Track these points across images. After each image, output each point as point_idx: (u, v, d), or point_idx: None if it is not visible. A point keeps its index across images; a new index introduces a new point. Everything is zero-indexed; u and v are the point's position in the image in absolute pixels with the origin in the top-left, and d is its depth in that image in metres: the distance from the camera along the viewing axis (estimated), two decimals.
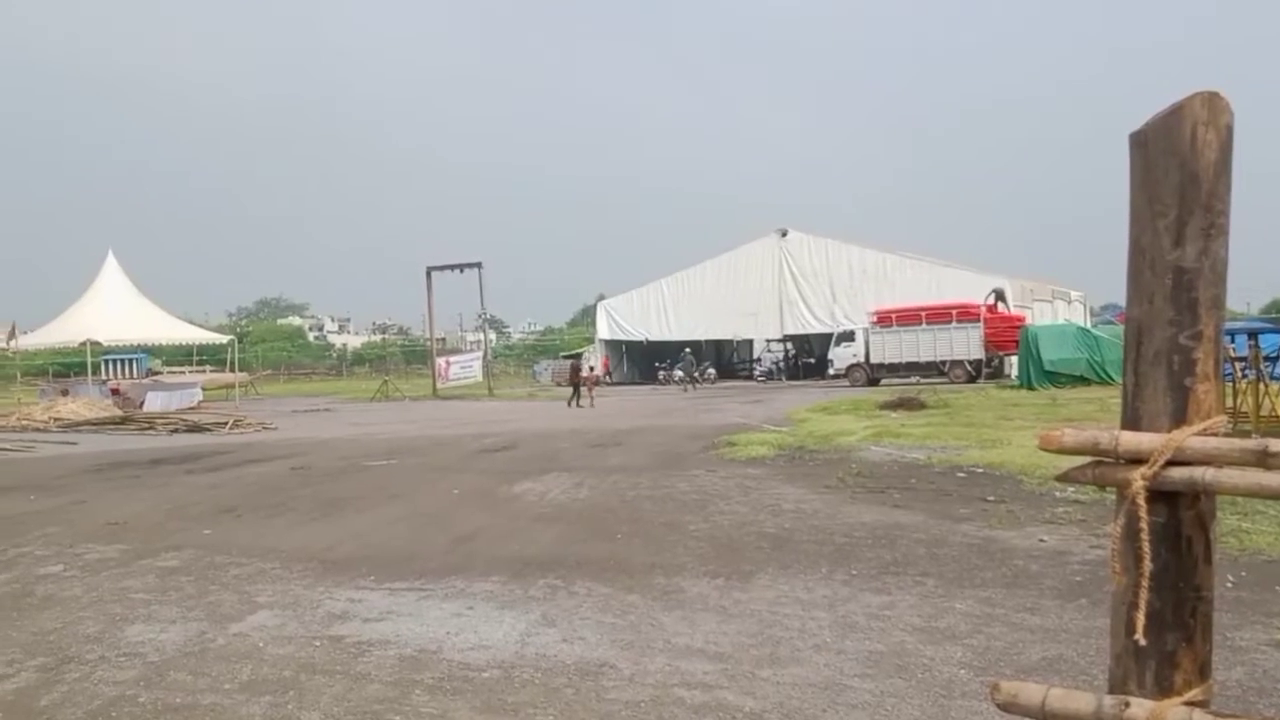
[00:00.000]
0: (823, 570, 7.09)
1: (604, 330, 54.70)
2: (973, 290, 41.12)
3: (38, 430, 25.78)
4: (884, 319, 40.39)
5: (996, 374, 38.57)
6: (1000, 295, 40.18)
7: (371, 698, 4.71)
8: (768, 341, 52.80)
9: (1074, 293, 50.55)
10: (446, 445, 18.55)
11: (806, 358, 50.58)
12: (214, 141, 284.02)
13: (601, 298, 59.89)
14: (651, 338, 52.24)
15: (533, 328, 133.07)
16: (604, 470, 13.55)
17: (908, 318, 39.76)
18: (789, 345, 52.16)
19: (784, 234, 50.36)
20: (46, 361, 51.88)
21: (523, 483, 12.48)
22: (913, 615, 5.87)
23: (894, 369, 39.57)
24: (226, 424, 25.02)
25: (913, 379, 38.29)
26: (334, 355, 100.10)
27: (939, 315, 39.14)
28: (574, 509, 10.37)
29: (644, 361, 53.53)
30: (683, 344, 52.55)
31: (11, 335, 37.09)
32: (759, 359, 51.72)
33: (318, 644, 5.62)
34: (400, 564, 7.78)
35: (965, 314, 38.67)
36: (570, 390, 33.09)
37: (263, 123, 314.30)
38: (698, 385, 40.49)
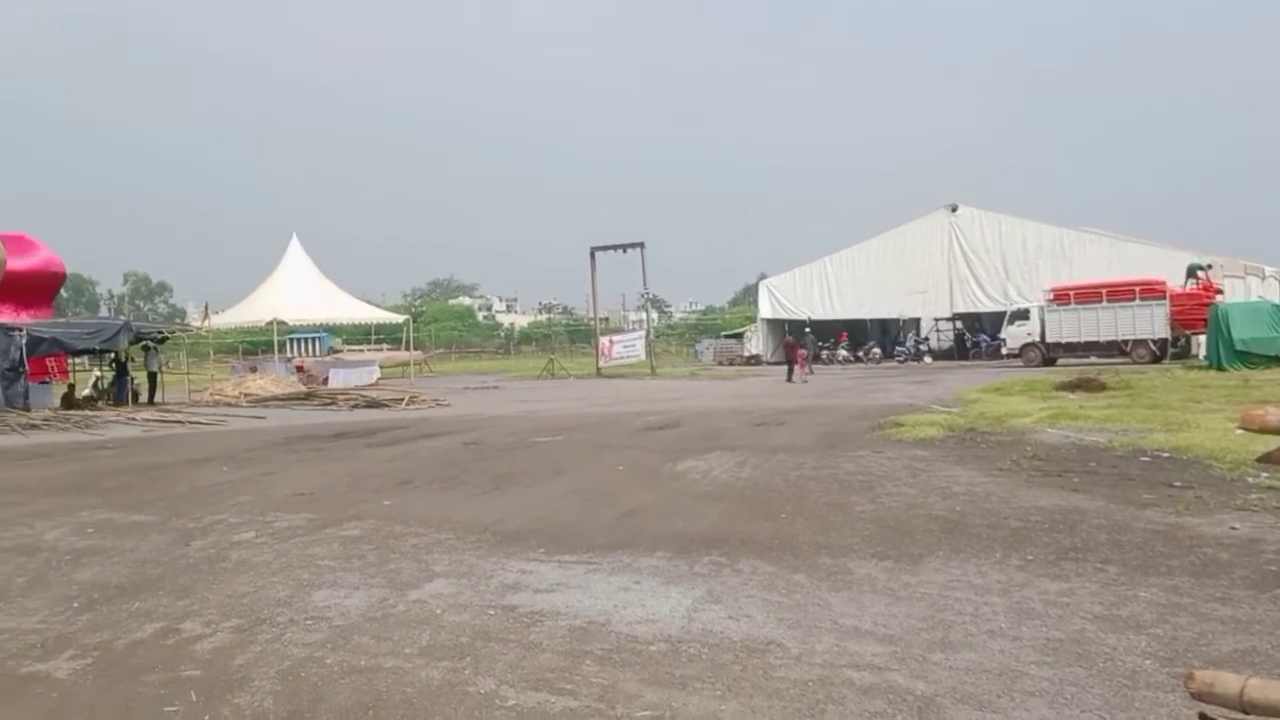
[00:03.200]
0: (996, 555, 6.90)
1: (766, 309, 54.36)
2: (1157, 266, 39.12)
3: (229, 405, 27.32)
4: (1061, 296, 38.79)
5: (1183, 354, 36.62)
6: (1193, 272, 37.84)
7: (543, 666, 4.83)
8: (935, 320, 51.51)
9: (1268, 268, 47.44)
10: (610, 423, 18.81)
11: (978, 336, 49.04)
12: (391, 134, 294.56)
13: (763, 276, 59.54)
14: (815, 316, 51.60)
15: (694, 307, 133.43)
16: (767, 449, 13.49)
17: (1087, 295, 38.08)
18: (958, 324, 50.74)
19: (954, 209, 48.93)
20: (236, 340, 54.91)
21: (686, 460, 12.55)
22: (1093, 603, 5.64)
23: (1071, 348, 38.01)
24: (402, 400, 26.00)
25: (1091, 359, 36.73)
26: (502, 334, 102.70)
27: (1121, 292, 37.34)
28: (737, 487, 10.37)
29: (815, 342, 53.00)
30: (847, 322, 51.77)
31: (205, 315, 39.39)
32: (912, 339, 50.21)
33: (491, 613, 5.79)
34: (568, 537, 7.94)
35: (1150, 291, 36.74)
36: (786, 366, 34.80)
37: (436, 115, 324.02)
38: (813, 372, 39.10)
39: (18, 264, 44.90)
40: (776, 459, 12.43)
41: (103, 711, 4.39)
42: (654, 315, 73.72)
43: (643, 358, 47.25)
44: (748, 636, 5.22)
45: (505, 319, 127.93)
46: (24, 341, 24.91)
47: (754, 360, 53.49)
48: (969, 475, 10.54)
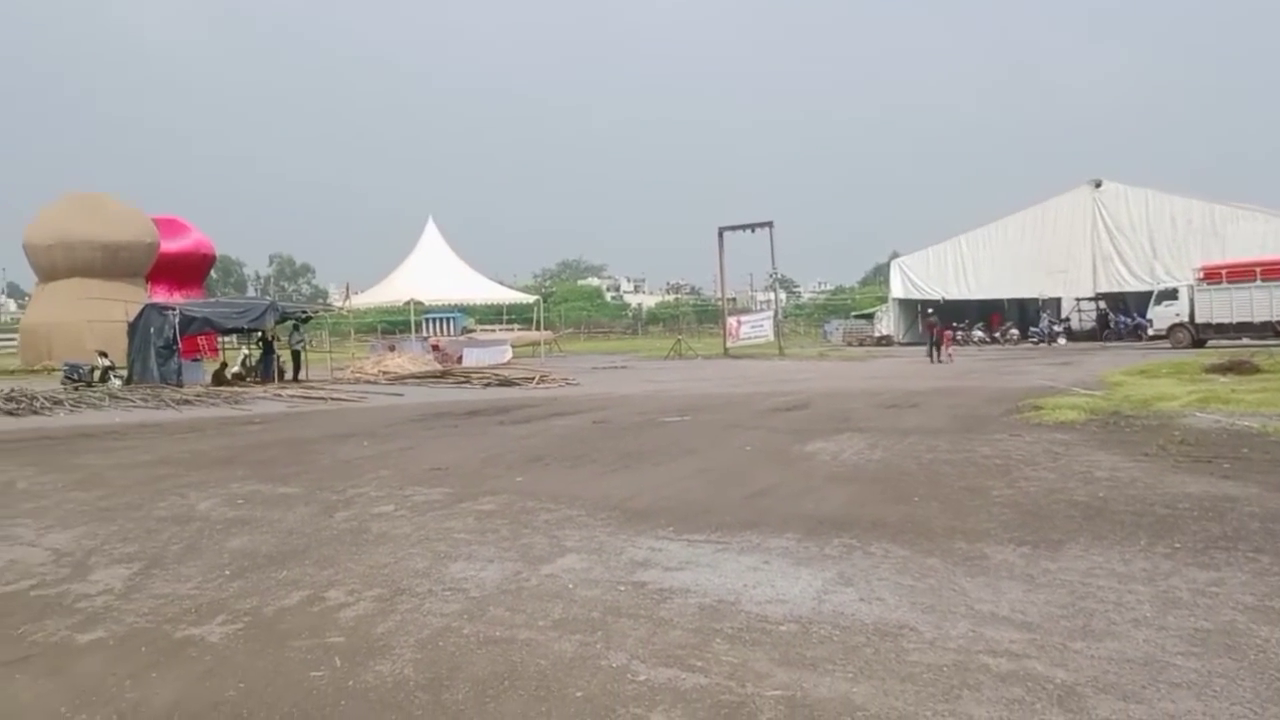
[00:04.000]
0: (1141, 542, 6.64)
1: (898, 289, 53.34)
2: None
3: (369, 383, 28.17)
4: (1212, 275, 37.00)
5: None
6: None
7: (674, 643, 4.85)
8: (1077, 300, 49.74)
9: None
10: (738, 403, 18.76)
11: (1119, 317, 47.15)
12: (523, 118, 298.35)
13: (895, 255, 58.42)
14: (949, 296, 50.39)
15: (823, 287, 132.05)
16: (899, 432, 13.26)
17: (1240, 273, 36.24)
18: (1101, 304, 48.87)
19: (1098, 185, 47.09)
20: (376, 319, 56.61)
21: (815, 442, 12.43)
22: (1244, 593, 5.39)
23: (1222, 329, 36.26)
24: (533, 379, 26.41)
25: (1243, 340, 34.97)
26: (630, 314, 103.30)
27: (1277, 271, 35.46)
28: (868, 470, 10.23)
29: (941, 321, 51.84)
30: (982, 302, 50.39)
31: (346, 296, 40.71)
32: (1046, 319, 48.39)
33: (622, 589, 5.85)
34: (697, 516, 7.96)
35: None
36: (928, 346, 34.45)
37: (564, 101, 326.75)
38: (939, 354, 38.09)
39: (170, 246, 47.24)
40: (909, 441, 12.21)
41: (253, 675, 4.59)
42: (782, 295, 73.10)
43: (771, 338, 46.93)
44: (880, 619, 5.15)
45: (633, 299, 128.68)
46: (177, 320, 26.13)
47: (885, 341, 52.62)
48: (1112, 460, 10.17)
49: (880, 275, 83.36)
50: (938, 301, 49.41)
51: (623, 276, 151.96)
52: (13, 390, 21.78)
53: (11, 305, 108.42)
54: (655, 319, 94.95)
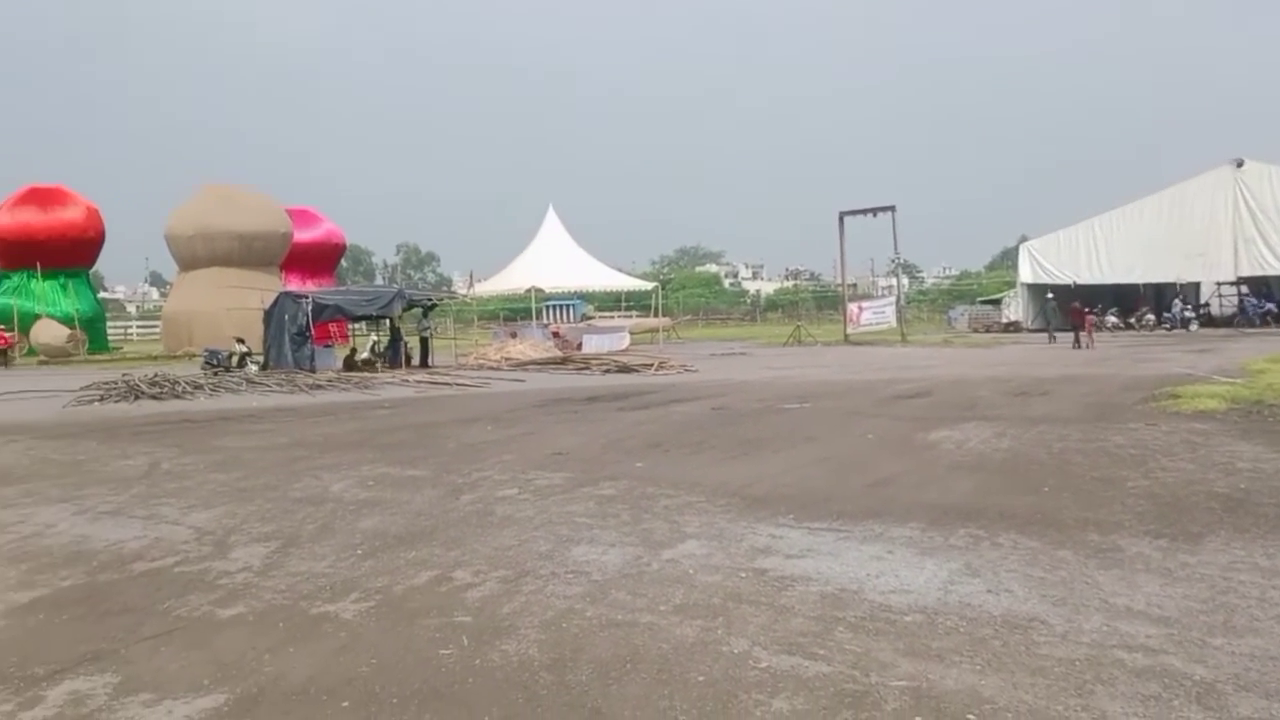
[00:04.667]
0: None
1: (1026, 274, 51.74)
2: None
3: (491, 369, 28.65)
4: None
5: None
6: None
7: (795, 631, 4.83)
8: (1217, 284, 47.58)
9: None
10: (859, 390, 18.52)
11: (1261, 303, 44.90)
12: (641, 107, 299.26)
13: (1024, 239, 56.77)
14: (1080, 281, 48.68)
15: (947, 272, 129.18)
16: (1027, 420, 12.92)
17: None
18: (1243, 288, 46.65)
19: (1239, 165, 44.90)
20: (498, 307, 57.47)
21: (939, 430, 12.20)
22: None
23: None
24: (652, 366, 26.51)
25: None
26: (748, 301, 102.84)
27: None
28: (995, 459, 9.99)
29: (1061, 307, 50.20)
30: (1116, 287, 48.61)
31: (470, 284, 41.57)
32: (1178, 304, 46.23)
33: (743, 575, 5.85)
34: (818, 504, 7.89)
35: None
36: (1072, 332, 33.82)
37: (678, 92, 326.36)
38: (1056, 338, 37.01)
39: (303, 236, 48.89)
40: (1038, 430, 11.89)
41: (385, 651, 4.73)
42: (904, 281, 71.78)
43: (893, 324, 46.09)
44: (1008, 611, 5.03)
45: (751, 286, 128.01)
46: (310, 308, 27.02)
47: (1012, 327, 51.17)
48: (1255, 451, 9.73)
49: (1008, 260, 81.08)
50: (1068, 286, 47.82)
51: (741, 263, 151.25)
52: (156, 375, 22.84)
53: (154, 294, 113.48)
54: (774, 305, 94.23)
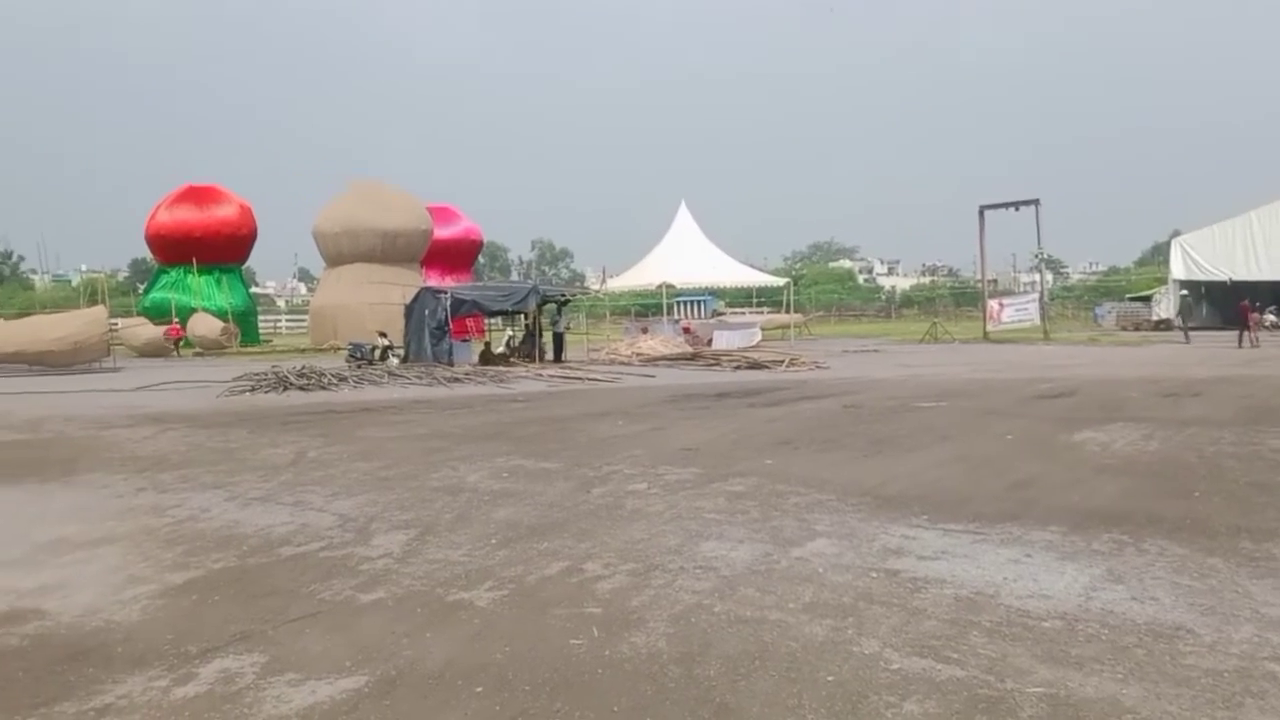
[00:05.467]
0: None
1: (1178, 270, 49.54)
2: None
3: (622, 364, 28.87)
4: None
5: None
6: None
7: (928, 633, 4.75)
8: None
9: None
10: (998, 389, 18.03)
11: None
12: (773, 100, 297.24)
13: (1176, 234, 54.32)
14: (1236, 277, 46.34)
15: (1094, 268, 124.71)
16: (1177, 422, 12.38)
17: None
18: None
19: None
20: (629, 302, 57.94)
21: (1083, 431, 11.79)
22: None
23: None
24: (783, 362, 26.32)
25: None
26: (882, 297, 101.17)
27: None
28: (1142, 462, 9.62)
29: (1226, 304, 47.78)
30: (1275, 285, 46.12)
31: (602, 280, 42.00)
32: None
33: (874, 575, 5.77)
34: (953, 505, 7.73)
35: None
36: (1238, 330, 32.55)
37: (812, 83, 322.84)
38: (1191, 338, 35.07)
39: (443, 233, 50.14)
40: (1188, 433, 11.38)
41: (518, 639, 4.83)
42: (1048, 277, 69.41)
43: (1035, 322, 44.65)
44: (1153, 620, 4.85)
45: (886, 281, 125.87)
46: (449, 303, 27.68)
47: (1163, 325, 49.05)
48: None
49: (1159, 255, 77.75)
50: (1223, 283, 45.60)
51: (876, 258, 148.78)
52: (304, 367, 23.73)
53: (302, 289, 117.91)
54: (909, 302, 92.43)
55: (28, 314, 42.83)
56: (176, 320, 40.29)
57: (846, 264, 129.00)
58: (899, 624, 4.90)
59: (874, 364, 27.35)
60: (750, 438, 12.06)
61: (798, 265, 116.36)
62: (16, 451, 12.03)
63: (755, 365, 26.41)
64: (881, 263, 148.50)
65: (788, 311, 48.23)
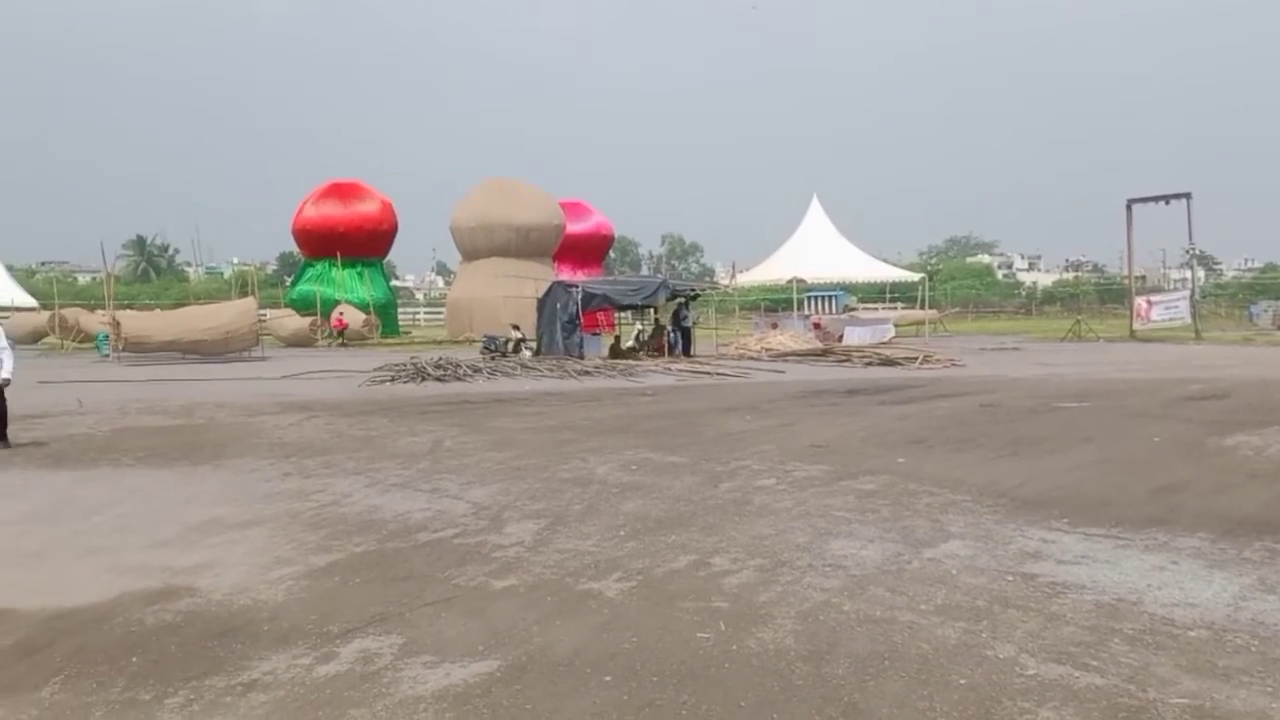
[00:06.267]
0: None
1: None
2: None
3: (751, 359, 28.75)
4: None
5: None
6: None
7: (1066, 639, 4.61)
8: None
9: None
10: (1144, 390, 17.32)
11: None
12: (911, 93, 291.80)
13: None
14: None
15: (1250, 264, 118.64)
16: None
17: None
18: None
19: None
20: (759, 297, 57.65)
21: (1236, 435, 11.25)
22: None
23: None
24: (916, 359, 25.82)
25: None
26: (1022, 293, 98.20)
27: None
28: None
29: None
30: None
31: (732, 274, 41.90)
32: None
33: (1010, 579, 5.63)
34: (1094, 509, 7.48)
35: None
36: None
37: (951, 70, 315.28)
38: None
39: (575, 228, 50.74)
40: None
41: (645, 630, 4.88)
42: (1200, 273, 66.36)
43: (1186, 320, 42.68)
44: None
45: (1026, 277, 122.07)
46: (580, 297, 28.03)
47: None
48: None
49: None
50: None
51: (1016, 253, 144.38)
52: (441, 359, 24.36)
53: (440, 282, 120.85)
54: (1051, 298, 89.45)
55: (183, 305, 45.22)
56: (340, 312, 41.90)
57: (985, 259, 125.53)
58: (1035, 629, 4.77)
59: (1012, 362, 26.59)
60: (881, 435, 11.88)
61: (933, 260, 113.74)
62: (172, 436, 12.68)
63: (887, 362, 25.99)
64: (1022, 258, 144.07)
65: (922, 307, 47.28)
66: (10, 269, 63.98)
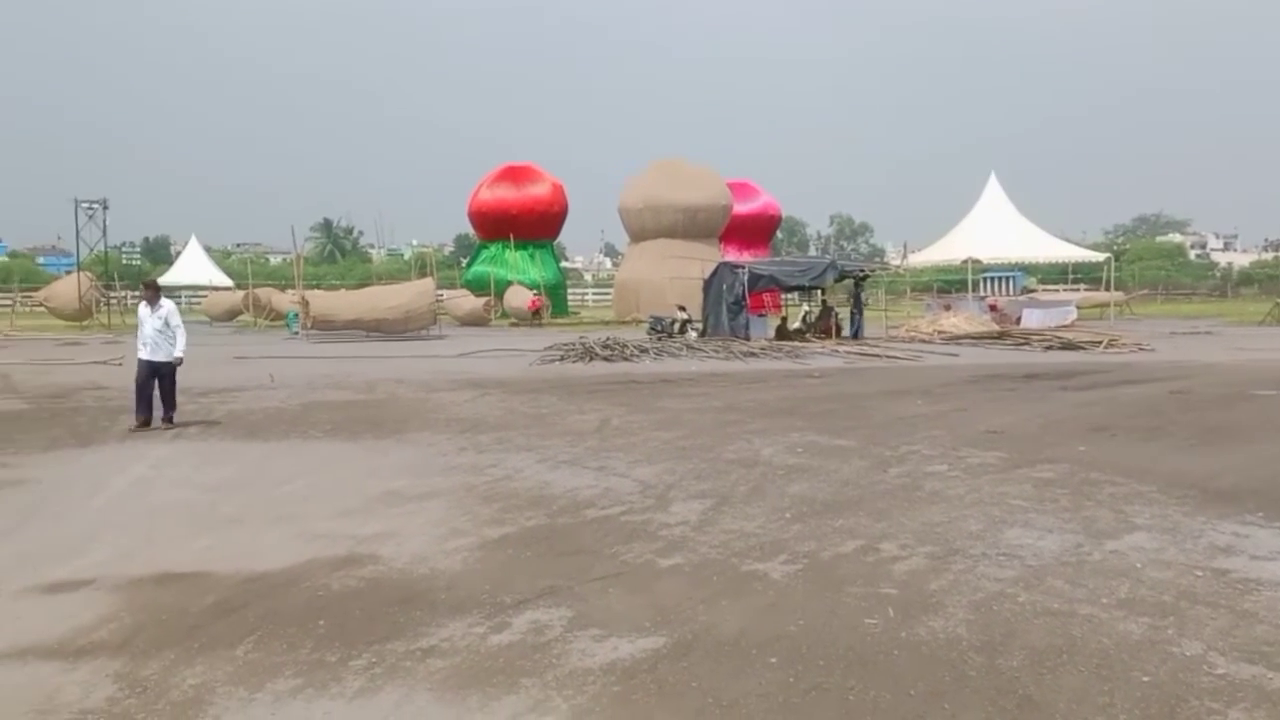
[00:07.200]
0: None
1: None
2: None
3: (923, 342, 28.10)
4: None
5: None
6: None
7: (1259, 638, 4.36)
8: None
9: None
10: None
11: None
12: (1095, 62, 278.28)
13: None
14: None
15: None
16: None
17: None
18: None
19: None
20: (931, 278, 56.17)
21: None
22: None
23: None
24: (1100, 343, 24.74)
25: None
26: (1217, 274, 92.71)
27: None
28: None
29: None
30: None
31: (903, 255, 40.95)
32: None
33: (1198, 574, 5.35)
34: None
35: None
36: None
37: (1138, 47, 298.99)
38: None
39: (741, 208, 50.57)
40: None
41: (811, 614, 4.85)
42: None
43: None
44: None
45: (1221, 258, 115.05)
46: (746, 278, 27.91)
47: None
48: None
49: None
50: None
51: (1210, 233, 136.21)
52: (609, 339, 24.68)
53: (608, 263, 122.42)
54: (1248, 280, 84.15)
55: (366, 284, 47.17)
56: (537, 293, 43.16)
57: (1176, 238, 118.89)
58: (1226, 626, 4.52)
59: (1205, 347, 25.15)
60: (1061, 422, 11.43)
61: (1120, 239, 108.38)
62: (356, 411, 13.27)
63: (1069, 346, 24.99)
64: (1217, 237, 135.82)
65: (1107, 289, 45.11)
66: (208, 250, 68.26)
